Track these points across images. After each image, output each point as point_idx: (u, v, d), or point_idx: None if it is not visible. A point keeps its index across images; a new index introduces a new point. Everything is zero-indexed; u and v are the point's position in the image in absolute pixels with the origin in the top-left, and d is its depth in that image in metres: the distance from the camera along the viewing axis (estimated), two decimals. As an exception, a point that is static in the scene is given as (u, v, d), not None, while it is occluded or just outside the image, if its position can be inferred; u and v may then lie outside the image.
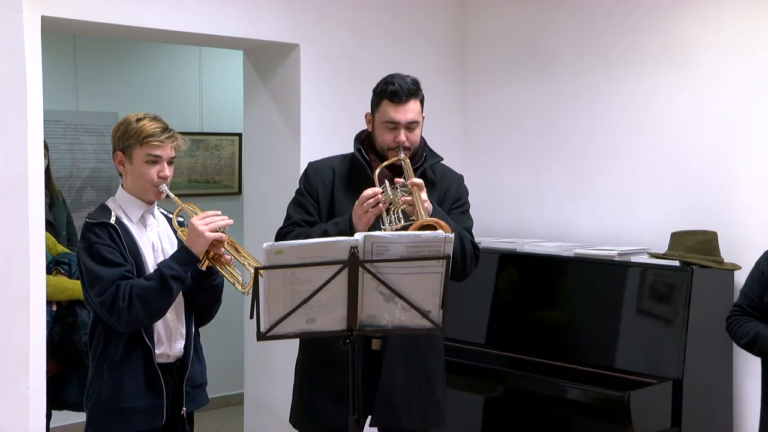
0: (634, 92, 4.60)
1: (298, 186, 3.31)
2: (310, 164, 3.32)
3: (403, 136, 3.11)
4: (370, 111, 3.22)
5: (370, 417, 3.15)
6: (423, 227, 2.86)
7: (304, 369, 3.26)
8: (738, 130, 4.26)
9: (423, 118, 3.21)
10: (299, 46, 4.63)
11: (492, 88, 5.22)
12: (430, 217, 2.96)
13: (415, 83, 3.17)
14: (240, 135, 6.09)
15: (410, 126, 3.13)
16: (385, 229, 2.95)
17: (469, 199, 3.35)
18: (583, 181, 4.83)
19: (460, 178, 3.38)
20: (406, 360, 3.14)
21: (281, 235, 3.18)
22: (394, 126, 3.12)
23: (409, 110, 3.12)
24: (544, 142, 5.00)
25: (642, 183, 4.59)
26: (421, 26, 5.14)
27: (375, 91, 3.20)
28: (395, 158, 3.12)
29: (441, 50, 5.24)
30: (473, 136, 5.33)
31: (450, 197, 3.27)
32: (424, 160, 3.22)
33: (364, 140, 3.27)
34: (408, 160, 3.12)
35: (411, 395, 3.14)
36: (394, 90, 3.11)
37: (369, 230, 2.94)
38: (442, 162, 3.32)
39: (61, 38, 5.65)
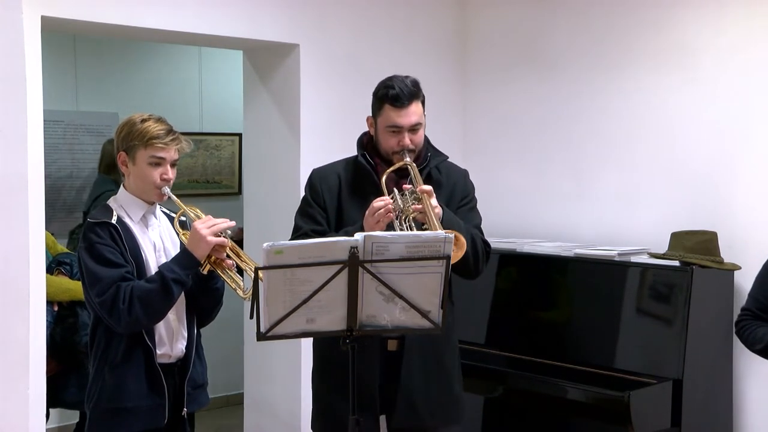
0: (634, 92, 4.60)
1: (303, 192, 3.25)
2: (315, 171, 3.26)
3: (407, 139, 3.07)
4: (371, 114, 3.18)
5: (384, 417, 3.12)
6: None
7: (320, 374, 3.23)
8: (738, 130, 4.26)
9: (424, 117, 3.17)
10: (299, 46, 4.63)
11: (492, 88, 5.21)
12: (441, 222, 2.93)
13: (415, 84, 3.12)
14: (240, 135, 6.09)
15: (414, 128, 3.09)
16: None
17: (475, 194, 3.32)
18: (583, 182, 4.83)
19: (465, 173, 3.34)
20: (424, 359, 3.12)
21: None
22: (398, 130, 3.07)
23: (412, 113, 3.07)
24: (544, 142, 5.00)
25: (642, 183, 4.59)
26: (421, 26, 5.14)
27: (376, 95, 3.14)
28: (401, 163, 3.08)
29: (441, 50, 5.24)
30: (473, 136, 5.33)
31: (457, 195, 3.24)
32: (429, 160, 3.19)
33: (367, 144, 3.22)
34: (415, 166, 3.08)
35: (430, 394, 3.12)
36: (395, 94, 3.06)
37: None
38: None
39: (61, 38, 5.65)
